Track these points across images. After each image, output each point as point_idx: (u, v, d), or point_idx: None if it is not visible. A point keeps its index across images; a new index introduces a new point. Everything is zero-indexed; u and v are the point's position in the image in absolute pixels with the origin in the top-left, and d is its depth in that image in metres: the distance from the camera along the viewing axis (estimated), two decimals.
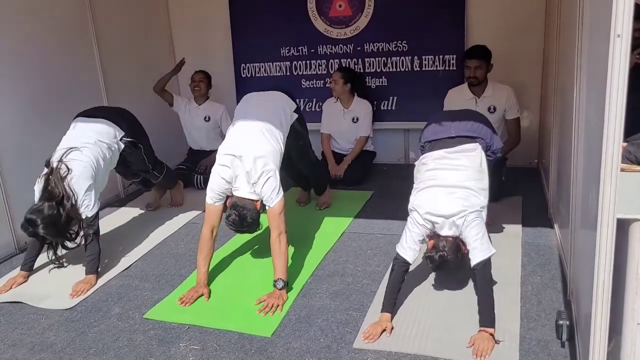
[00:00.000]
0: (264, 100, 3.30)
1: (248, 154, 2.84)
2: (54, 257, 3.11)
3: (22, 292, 3.02)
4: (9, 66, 3.57)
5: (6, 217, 3.53)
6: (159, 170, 3.94)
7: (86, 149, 3.13)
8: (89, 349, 2.49)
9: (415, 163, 2.88)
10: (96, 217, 3.12)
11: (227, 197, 2.96)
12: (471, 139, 2.79)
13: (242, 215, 2.87)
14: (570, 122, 2.50)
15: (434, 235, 2.61)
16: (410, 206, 2.67)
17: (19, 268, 3.17)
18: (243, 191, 2.90)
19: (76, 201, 2.98)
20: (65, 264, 3.23)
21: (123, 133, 3.43)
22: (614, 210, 1.48)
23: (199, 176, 4.63)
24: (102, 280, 3.11)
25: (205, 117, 4.78)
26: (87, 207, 3.04)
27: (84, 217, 3.04)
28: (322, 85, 5.08)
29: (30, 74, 3.74)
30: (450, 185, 2.61)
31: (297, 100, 3.53)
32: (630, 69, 2.88)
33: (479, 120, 2.91)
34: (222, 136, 4.80)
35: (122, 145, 3.44)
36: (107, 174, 3.37)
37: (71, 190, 2.96)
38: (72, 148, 3.07)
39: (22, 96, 3.67)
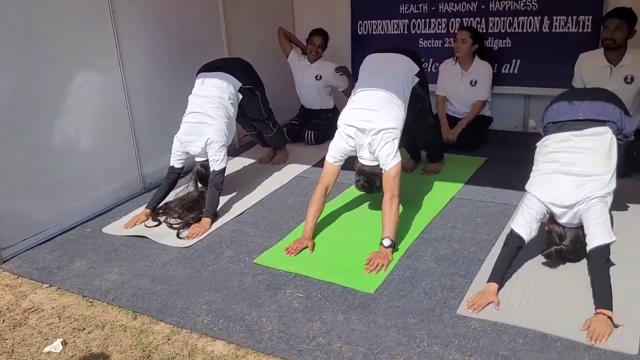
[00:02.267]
0: (387, 65, 3.25)
1: (371, 127, 2.90)
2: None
3: (145, 228, 3.28)
4: (140, 19, 3.78)
5: (135, 158, 3.81)
6: (273, 122, 4.07)
7: (216, 112, 3.41)
8: (203, 286, 2.67)
9: (537, 145, 2.72)
10: (223, 171, 3.37)
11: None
12: (600, 122, 2.57)
13: (371, 181, 3.05)
14: None
15: (552, 221, 2.51)
16: (528, 189, 2.56)
17: (144, 206, 3.44)
18: (367, 159, 3.01)
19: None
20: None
21: (240, 84, 3.58)
22: None
23: (310, 131, 4.70)
24: (216, 225, 3.29)
25: (317, 76, 4.78)
26: (216, 162, 3.34)
27: (212, 169, 3.34)
28: (440, 45, 4.89)
29: (158, 26, 3.94)
30: (574, 172, 2.46)
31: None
32: None
33: (610, 101, 2.66)
34: (333, 94, 4.85)
35: (241, 96, 3.60)
36: (234, 127, 3.64)
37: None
38: (203, 118, 3.39)
39: (151, 47, 3.89)
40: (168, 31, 4.01)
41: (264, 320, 2.37)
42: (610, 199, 2.45)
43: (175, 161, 3.42)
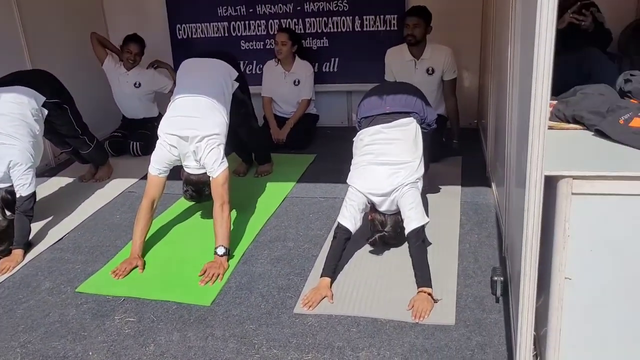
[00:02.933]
0: (204, 71, 3.19)
1: (194, 134, 2.82)
2: None
3: None
4: None
5: None
6: (90, 137, 3.77)
7: (18, 131, 3.07)
8: (17, 327, 2.38)
9: (353, 139, 2.86)
10: (32, 195, 3.04)
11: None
12: (405, 114, 2.78)
13: (199, 190, 2.99)
14: (505, 82, 2.51)
15: (373, 210, 2.66)
16: (349, 181, 2.68)
17: None
18: (193, 168, 2.93)
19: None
20: None
21: (45, 98, 3.26)
22: (541, 167, 1.49)
23: (135, 143, 4.45)
24: (30, 255, 2.97)
25: (136, 83, 4.54)
26: (23, 186, 3.00)
27: (18, 195, 2.99)
28: (261, 47, 4.94)
29: None
30: (387, 162, 2.63)
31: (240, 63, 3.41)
32: (564, 28, 2.92)
33: (412, 93, 2.89)
34: (156, 101, 4.65)
35: (46, 111, 3.27)
36: (42, 145, 3.29)
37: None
38: (2, 139, 3.02)
39: None
40: None
41: (90, 353, 2.17)
42: (420, 184, 2.65)
43: None
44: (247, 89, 3.46)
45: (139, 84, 4.53)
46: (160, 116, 4.55)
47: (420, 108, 2.82)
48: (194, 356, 2.13)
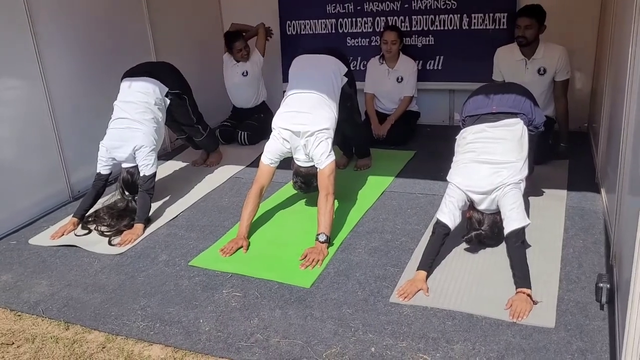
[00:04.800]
0: (317, 66, 3.33)
1: (305, 130, 2.98)
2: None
3: (75, 237, 3.19)
4: (60, 22, 3.68)
5: (61, 166, 3.70)
6: (203, 126, 4.04)
7: (143, 117, 3.36)
8: (138, 291, 2.63)
9: (456, 137, 2.86)
10: (154, 175, 3.32)
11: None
12: (512, 114, 2.74)
13: (308, 181, 3.14)
14: (623, 84, 2.41)
15: (472, 208, 2.65)
16: (449, 178, 2.69)
17: (71, 215, 3.34)
18: (302, 161, 3.09)
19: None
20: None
21: (167, 89, 3.54)
22: None
23: (243, 133, 4.70)
24: (149, 230, 3.25)
25: (243, 72, 4.79)
26: (146, 167, 3.29)
27: (142, 174, 3.28)
28: (367, 44, 5.02)
29: (80, 30, 3.84)
30: (489, 161, 2.61)
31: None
32: None
33: (521, 94, 2.84)
34: (261, 91, 4.87)
35: (168, 101, 3.56)
36: (163, 131, 3.58)
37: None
38: (130, 123, 3.33)
39: (73, 52, 3.78)
40: (91, 36, 3.91)
41: (201, 321, 2.37)
42: (523, 185, 2.61)
43: (102, 167, 3.34)
44: (354, 84, 3.55)
45: (246, 73, 4.78)
46: (265, 105, 4.85)
47: (529, 109, 2.77)
48: (294, 332, 2.26)
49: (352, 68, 3.54)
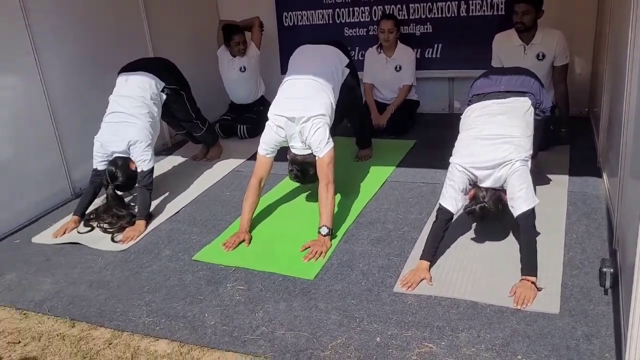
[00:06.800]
0: (317, 55, 3.31)
1: (301, 116, 2.92)
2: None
3: (78, 234, 3.20)
4: (56, 18, 3.66)
5: (62, 164, 3.70)
6: (202, 121, 4.04)
7: (139, 112, 3.34)
8: (142, 288, 2.64)
9: (461, 116, 2.83)
10: (151, 171, 3.30)
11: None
12: (521, 93, 2.70)
13: (304, 170, 3.05)
14: (624, 67, 2.40)
15: (474, 187, 2.60)
16: (451, 159, 2.65)
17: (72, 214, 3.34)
18: (298, 149, 3.03)
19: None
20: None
21: (164, 83, 3.53)
22: None
23: (242, 126, 4.69)
24: (152, 225, 3.25)
25: (241, 68, 4.76)
26: (143, 162, 3.26)
27: (139, 170, 3.26)
28: (365, 34, 4.99)
29: (77, 25, 3.82)
30: (493, 135, 2.55)
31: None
32: None
33: (529, 75, 2.81)
34: (259, 86, 4.84)
35: (164, 96, 3.55)
36: (159, 126, 3.55)
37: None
38: (126, 118, 3.30)
39: (70, 48, 3.77)
40: (87, 31, 3.89)
41: (206, 315, 2.38)
42: (530, 163, 2.56)
43: (98, 163, 3.31)
44: (357, 75, 3.54)
45: (244, 68, 4.75)
46: (264, 99, 4.82)
47: (537, 91, 2.75)
48: (300, 324, 2.26)
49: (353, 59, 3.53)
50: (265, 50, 4.90)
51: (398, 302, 2.35)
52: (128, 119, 3.31)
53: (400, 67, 4.60)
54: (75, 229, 3.23)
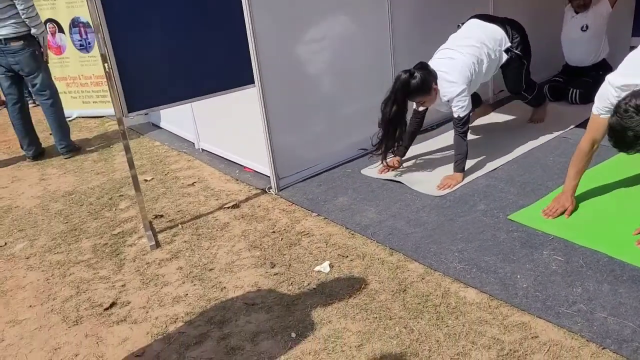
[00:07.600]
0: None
1: None
2: None
3: (399, 173, 3.45)
4: None
5: None
6: (529, 91, 3.83)
7: (466, 50, 3.29)
8: (455, 234, 2.72)
9: None
10: (467, 118, 3.27)
11: None
12: None
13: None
14: None
15: None
16: None
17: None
18: None
19: None
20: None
21: (509, 44, 3.42)
22: None
23: (575, 90, 4.32)
24: (468, 178, 3.29)
25: (582, 27, 4.29)
26: (460, 109, 3.23)
27: (455, 116, 3.24)
28: None
29: None
30: None
31: None
32: None
33: None
34: (602, 48, 4.34)
35: (505, 57, 3.44)
36: (480, 80, 3.45)
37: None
38: (452, 54, 3.30)
39: (417, 10, 3.96)
40: None
41: (518, 276, 2.34)
42: None
43: None
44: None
45: (586, 27, 4.29)
46: (605, 63, 4.32)
47: None
48: (625, 313, 2.05)
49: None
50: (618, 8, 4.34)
51: None
52: (452, 55, 3.29)
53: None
54: (397, 169, 3.49)
